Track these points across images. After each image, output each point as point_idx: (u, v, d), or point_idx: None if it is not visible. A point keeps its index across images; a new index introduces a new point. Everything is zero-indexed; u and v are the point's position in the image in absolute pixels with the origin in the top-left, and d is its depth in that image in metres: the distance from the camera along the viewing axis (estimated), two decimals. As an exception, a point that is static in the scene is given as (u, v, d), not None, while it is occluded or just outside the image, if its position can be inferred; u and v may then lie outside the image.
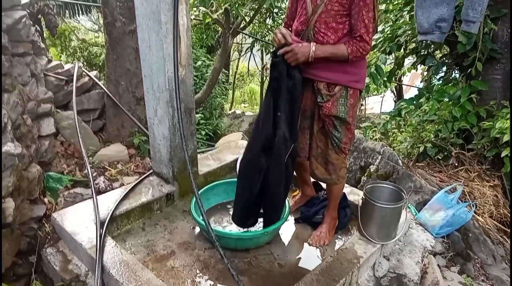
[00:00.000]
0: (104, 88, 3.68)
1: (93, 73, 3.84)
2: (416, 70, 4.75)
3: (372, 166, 3.22)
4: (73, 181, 2.92)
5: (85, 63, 7.65)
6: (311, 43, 2.07)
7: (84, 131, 3.38)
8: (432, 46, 3.93)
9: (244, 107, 13.24)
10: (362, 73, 2.19)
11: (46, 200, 2.68)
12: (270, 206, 2.27)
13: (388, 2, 4.23)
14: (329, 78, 2.15)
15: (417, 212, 2.76)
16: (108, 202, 2.50)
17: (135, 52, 3.41)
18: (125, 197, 2.56)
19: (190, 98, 2.62)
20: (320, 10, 2.08)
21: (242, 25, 7.27)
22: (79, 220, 2.34)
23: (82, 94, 3.64)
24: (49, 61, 3.54)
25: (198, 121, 6.58)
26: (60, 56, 7.78)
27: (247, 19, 7.32)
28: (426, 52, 3.96)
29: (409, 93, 10.02)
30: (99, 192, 2.82)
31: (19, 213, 2.31)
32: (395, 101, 8.78)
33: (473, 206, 2.75)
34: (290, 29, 2.31)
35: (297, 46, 2.05)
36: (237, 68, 13.12)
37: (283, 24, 2.45)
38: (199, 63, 6.97)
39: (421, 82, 5.98)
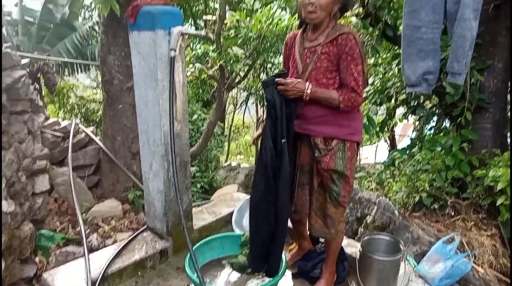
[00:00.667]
0: (100, 143, 3.71)
1: (90, 129, 3.90)
2: (408, 121, 4.85)
3: (368, 216, 3.20)
4: (66, 239, 2.87)
5: (82, 119, 7.76)
6: (307, 82, 2.11)
7: (78, 187, 3.37)
8: (422, 97, 4.04)
9: (240, 159, 13.29)
10: (357, 125, 2.22)
11: (37, 259, 2.62)
12: (279, 243, 2.19)
13: (377, 56, 4.41)
14: (325, 132, 2.17)
15: (416, 263, 2.71)
16: (100, 260, 2.45)
17: (132, 108, 3.48)
18: (118, 254, 2.51)
19: (185, 151, 2.65)
20: (310, 68, 2.14)
21: (236, 80, 7.48)
22: (70, 280, 2.28)
23: (78, 150, 3.67)
24: (47, 118, 3.60)
25: (194, 174, 6.57)
26: (58, 113, 7.91)
27: (242, 74, 7.55)
28: (416, 103, 4.06)
29: (402, 142, 10.12)
30: (91, 250, 2.76)
31: (9, 273, 2.25)
32: (388, 151, 8.86)
33: (472, 256, 2.71)
34: None
35: (293, 81, 2.09)
36: (232, 121, 13.32)
37: None
38: (195, 116, 7.08)
39: (413, 131, 6.08)
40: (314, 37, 2.15)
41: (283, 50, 2.39)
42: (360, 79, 2.07)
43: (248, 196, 3.32)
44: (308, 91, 2.08)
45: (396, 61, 4.22)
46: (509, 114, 3.64)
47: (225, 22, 4.82)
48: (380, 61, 4.61)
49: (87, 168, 3.67)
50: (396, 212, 3.16)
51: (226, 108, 11.14)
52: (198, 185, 6.51)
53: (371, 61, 4.37)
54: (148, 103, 2.48)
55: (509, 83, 3.47)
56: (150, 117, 2.50)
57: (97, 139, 3.77)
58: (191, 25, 10.44)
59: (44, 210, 2.95)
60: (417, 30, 2.58)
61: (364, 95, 4.53)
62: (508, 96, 3.52)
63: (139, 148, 2.68)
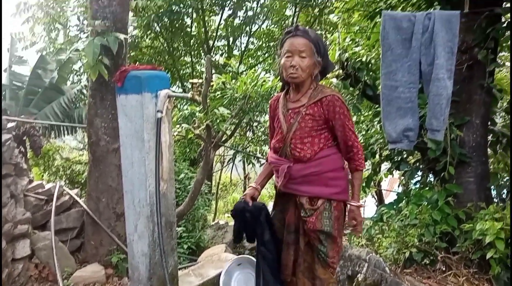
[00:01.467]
0: (84, 205, 3.64)
1: (74, 191, 3.84)
2: (393, 175, 4.90)
3: (359, 274, 3.13)
4: (45, 307, 2.72)
5: (67, 181, 7.66)
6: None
7: (60, 252, 3.26)
8: (405, 152, 4.12)
9: (228, 217, 13.08)
10: (343, 184, 2.20)
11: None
12: None
13: (359, 114, 4.54)
14: (311, 192, 2.16)
15: (411, 324, 2.62)
16: (80, 330, 2.31)
17: (118, 169, 3.47)
18: (100, 323, 2.38)
19: (171, 211, 2.61)
20: (295, 128, 2.16)
21: (223, 139, 7.55)
22: None
23: (62, 213, 3.59)
24: (30, 181, 3.56)
25: (180, 234, 6.41)
26: (42, 175, 7.81)
27: (228, 132, 7.65)
28: (399, 158, 4.13)
29: (390, 197, 10.14)
30: (71, 318, 2.62)
31: None
32: (376, 206, 8.84)
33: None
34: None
35: (358, 221, 2.19)
36: (220, 179, 13.27)
37: (269, 144, 2.55)
38: (182, 175, 7.05)
39: (399, 186, 6.12)
40: (297, 99, 2.20)
41: (268, 111, 2.44)
42: (354, 132, 2.17)
43: (236, 256, 3.24)
44: (359, 204, 2.20)
45: (378, 119, 4.35)
46: (491, 167, 3.73)
47: (212, 84, 4.96)
48: (362, 118, 4.74)
49: (70, 232, 3.57)
50: (387, 269, 3.10)
51: (213, 166, 11.14)
52: (185, 246, 6.33)
53: (354, 119, 4.50)
54: (134, 163, 2.48)
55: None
56: (135, 177, 2.49)
57: (81, 201, 3.71)
58: (178, 87, 10.73)
59: (23, 277, 2.82)
60: (394, 90, 2.69)
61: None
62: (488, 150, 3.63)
63: (124, 209, 2.64)
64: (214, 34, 10.13)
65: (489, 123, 3.61)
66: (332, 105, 2.11)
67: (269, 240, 2.25)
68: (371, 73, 3.93)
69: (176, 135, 5.97)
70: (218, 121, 4.91)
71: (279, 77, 2.42)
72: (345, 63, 3.87)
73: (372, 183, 4.57)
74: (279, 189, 2.28)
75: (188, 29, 9.43)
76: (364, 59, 3.75)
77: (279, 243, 2.27)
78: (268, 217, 2.31)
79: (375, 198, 9.34)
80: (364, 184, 4.20)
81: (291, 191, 2.21)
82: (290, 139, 2.17)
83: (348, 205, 2.21)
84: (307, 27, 2.22)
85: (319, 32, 9.29)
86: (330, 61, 2.26)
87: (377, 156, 4.38)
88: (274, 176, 2.40)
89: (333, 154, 2.20)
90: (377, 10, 4.10)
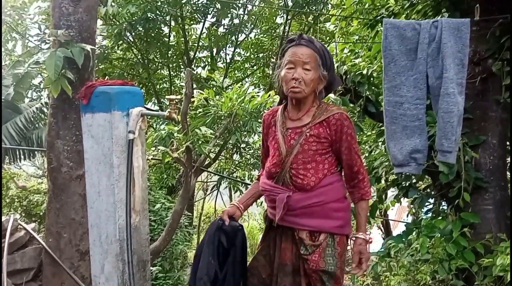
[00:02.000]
0: (42, 242, 3.58)
1: (31, 226, 3.78)
2: (401, 204, 4.92)
3: (365, 320, 3.09)
4: None
5: (23, 214, 7.53)
6: (358, 238, 2.20)
7: (13, 297, 3.17)
8: (413, 177, 4.15)
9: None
10: (347, 216, 2.22)
11: None
12: None
13: (361, 133, 4.59)
14: (312, 225, 2.15)
15: None
16: None
17: (82, 199, 3.42)
18: None
19: (144, 248, 2.57)
20: (296, 151, 2.16)
21: (206, 163, 7.53)
22: None
23: (16, 252, 3.51)
24: (-21, 215, 3.49)
25: (155, 275, 6.30)
26: (-6, 207, 7.67)
27: (212, 155, 7.64)
28: (407, 184, 4.15)
29: (398, 228, 10.13)
30: None
31: None
32: (383, 239, 8.83)
33: None
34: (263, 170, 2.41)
35: (364, 263, 2.20)
36: (202, 209, 13.17)
37: (261, 166, 2.56)
38: (158, 206, 6.99)
39: (407, 216, 6.15)
40: (298, 117, 2.20)
41: (261, 128, 2.43)
42: (360, 156, 2.21)
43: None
44: (368, 238, 2.22)
45: (382, 139, 4.39)
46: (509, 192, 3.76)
47: (192, 100, 4.98)
48: (364, 138, 4.79)
49: (25, 273, 3.50)
50: (396, 313, 3.08)
51: (195, 195, 11.06)
52: (162, 289, 6.22)
53: (355, 139, 4.53)
54: (101, 192, 2.45)
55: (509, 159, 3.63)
56: (103, 209, 2.46)
57: (39, 237, 3.64)
58: (154, 104, 10.74)
59: (-33, 330, 2.73)
60: (399, 106, 2.73)
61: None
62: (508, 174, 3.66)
63: (89, 247, 2.59)
64: (195, 44, 10.23)
65: (507, 143, 3.65)
66: (340, 125, 2.14)
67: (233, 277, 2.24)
68: (373, 87, 3.99)
69: (151, 159, 5.94)
70: (199, 142, 4.91)
71: (270, 93, 2.45)
72: (344, 77, 3.93)
73: (377, 213, 4.57)
74: (272, 221, 2.26)
75: (166, 39, 9.51)
76: (365, 72, 3.81)
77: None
78: (244, 245, 2.31)
79: (381, 230, 9.34)
80: (368, 214, 4.21)
81: (288, 224, 2.18)
82: (290, 163, 2.16)
83: (353, 239, 2.21)
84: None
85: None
86: (336, 76, 2.30)
87: (382, 181, 4.40)
88: (265, 204, 2.39)
89: (336, 181, 2.21)
90: (378, 17, 4.19)
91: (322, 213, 2.14)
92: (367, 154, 4.82)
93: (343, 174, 2.26)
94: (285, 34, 9.49)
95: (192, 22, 10.15)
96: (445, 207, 3.95)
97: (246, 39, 10.66)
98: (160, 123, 8.47)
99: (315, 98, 2.21)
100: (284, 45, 2.24)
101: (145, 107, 2.46)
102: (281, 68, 2.18)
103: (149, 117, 2.56)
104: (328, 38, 9.17)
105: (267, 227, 2.38)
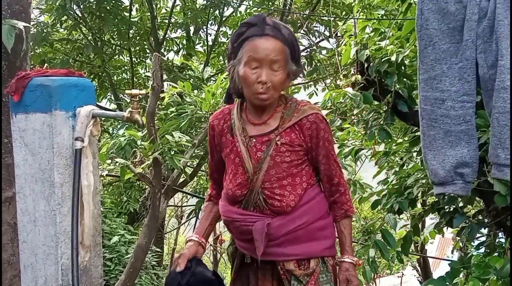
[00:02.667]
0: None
1: None
2: (443, 236, 4.92)
3: None
4: None
5: None
6: (345, 260, 2.32)
7: None
8: (460, 199, 4.16)
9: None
10: (333, 233, 2.41)
11: None
12: None
13: (389, 141, 4.59)
14: (299, 253, 2.28)
15: None
16: None
17: (12, 230, 3.41)
18: None
19: (96, 298, 2.57)
20: (267, 166, 2.24)
21: (181, 180, 7.50)
22: None
23: None
24: None
25: (113, 334, 6.25)
26: None
27: (189, 171, 7.60)
28: (452, 209, 4.16)
29: (440, 267, 10.16)
30: None
31: None
32: (420, 282, 8.83)
33: None
34: (215, 186, 2.52)
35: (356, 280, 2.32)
36: (175, 243, 13.14)
37: (210, 182, 2.66)
38: (115, 239, 6.96)
39: (452, 251, 6.13)
40: (262, 121, 2.29)
41: (208, 137, 2.50)
42: (340, 165, 2.37)
43: None
44: (356, 261, 2.34)
45: (417, 148, 4.41)
46: None
47: (162, 96, 4.98)
48: (393, 148, 4.80)
49: None
50: None
51: (165, 224, 11.02)
52: None
53: (380, 147, 4.54)
54: (37, 221, 2.44)
55: None
56: (40, 243, 2.45)
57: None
58: (110, 101, 10.72)
59: None
60: (440, 105, 2.74)
61: (375, 197, 4.63)
62: None
63: (22, 296, 2.58)
64: (166, 21, 10.24)
65: None
66: (315, 129, 2.26)
67: None
68: (404, 79, 4.00)
69: (106, 176, 5.91)
70: (172, 153, 4.90)
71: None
72: (366, 65, 3.94)
73: (412, 248, 4.58)
74: (243, 257, 2.38)
75: (126, 14, 9.52)
76: (393, 59, 3.83)
77: None
78: None
79: (417, 271, 9.34)
80: (400, 248, 4.20)
81: (271, 257, 2.28)
82: (261, 182, 2.24)
83: (337, 264, 2.36)
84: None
85: (325, 19, 9.51)
86: (301, 65, 2.36)
87: (418, 205, 4.41)
88: (229, 234, 2.51)
89: (317, 195, 2.36)
90: (411, -15, 4.22)
91: (307, 236, 2.29)
92: (397, 169, 4.83)
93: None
94: (287, 7, 9.54)
95: (161, -10, 10.19)
96: (502, 240, 3.95)
97: (234, 14, 10.68)
98: (119, 127, 8.46)
99: (281, 95, 2.32)
100: (239, 30, 2.26)
101: (97, 106, 2.46)
102: (239, 64, 2.22)
103: (103, 119, 2.56)
104: (344, 12, 9.21)
105: (237, 265, 2.45)
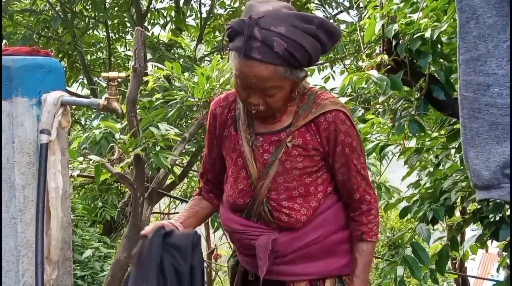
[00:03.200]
0: None
1: None
2: (487, 250, 4.92)
3: None
4: None
5: None
6: None
7: None
8: (507, 206, 4.15)
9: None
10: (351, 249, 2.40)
11: None
12: None
13: (422, 135, 4.59)
14: (313, 272, 2.30)
15: None
16: None
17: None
18: None
19: (66, 325, 2.58)
20: (274, 172, 2.24)
21: (168, 182, 7.50)
22: None
23: None
24: None
25: None
26: None
27: (178, 171, 7.60)
28: (497, 218, 4.16)
29: (483, 289, 10.16)
30: None
31: None
32: (459, 307, 8.86)
33: None
34: (208, 186, 2.53)
35: None
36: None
37: (200, 176, 2.67)
38: (88, 253, 6.97)
39: (498, 269, 6.15)
40: (274, 118, 2.27)
41: (207, 124, 2.48)
42: (367, 176, 2.30)
43: None
44: None
45: (456, 144, 4.40)
46: None
47: (146, 80, 4.98)
48: (427, 143, 4.80)
49: None
50: None
51: (149, 236, 11.03)
52: None
53: (411, 143, 4.54)
54: (-5, 232, 2.45)
55: None
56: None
57: None
58: (83, 86, 10.72)
59: None
60: (484, 91, 2.73)
61: (404, 203, 4.63)
62: None
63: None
64: (150, -12, 10.24)
65: None
66: (333, 130, 2.22)
67: None
68: (441, 60, 3.99)
69: (78, 176, 5.91)
70: (157, 148, 4.90)
71: None
72: (394, 43, 3.93)
73: (449, 265, 4.57)
74: (246, 274, 2.42)
75: (102, -21, 9.52)
76: (427, 35, 3.82)
77: None
78: (203, 264, 2.29)
79: (454, 293, 9.34)
80: (434, 266, 4.21)
81: (278, 277, 2.30)
82: (267, 191, 2.25)
83: None
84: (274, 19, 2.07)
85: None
86: (331, 37, 2.19)
87: (457, 213, 4.41)
88: (225, 247, 2.50)
89: (334, 203, 2.36)
90: None
91: (322, 252, 2.30)
92: (431, 169, 4.83)
93: None
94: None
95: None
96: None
97: (232, -21, 10.68)
98: (93, 117, 8.45)
99: (295, 92, 2.26)
100: (228, 32, 2.15)
101: (67, 92, 2.46)
102: (233, 76, 2.25)
103: (74, 107, 2.55)
104: (367, -21, 9.19)
105: (237, 282, 2.48)
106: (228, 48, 2.17)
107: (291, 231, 2.26)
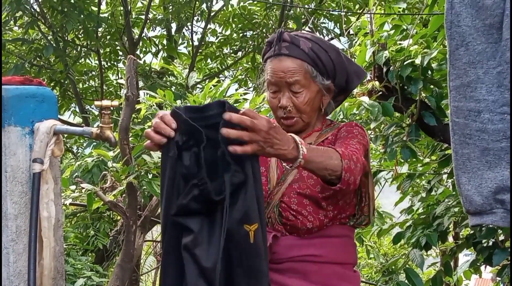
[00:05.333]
0: None
1: None
2: (480, 275, 4.90)
3: None
4: None
5: None
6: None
7: None
8: (500, 231, 4.15)
9: None
10: (357, 277, 2.43)
11: None
12: None
13: (413, 160, 4.60)
14: None
15: None
16: None
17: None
18: None
19: None
20: (292, 178, 2.28)
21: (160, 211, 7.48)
22: None
23: None
24: None
25: None
26: None
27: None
28: (491, 243, 4.16)
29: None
30: None
31: None
32: (453, 334, 8.80)
33: None
34: None
35: (264, 124, 1.88)
36: (154, 288, 13.07)
37: None
38: (80, 282, 6.92)
39: (492, 296, 6.12)
40: (301, 134, 2.31)
41: None
42: (360, 150, 2.22)
43: None
44: (303, 151, 1.95)
45: (448, 169, 4.41)
46: None
47: (138, 108, 4.98)
48: (419, 168, 4.81)
49: None
50: None
51: (142, 263, 10.96)
52: None
53: (403, 169, 4.55)
54: (-13, 262, 2.43)
55: None
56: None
57: None
58: (75, 114, 10.71)
59: None
60: (475, 117, 2.74)
61: (396, 229, 4.62)
62: None
63: None
64: (142, 16, 10.26)
65: None
66: (341, 130, 2.34)
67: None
68: (431, 86, 4.01)
69: (70, 205, 5.89)
70: (150, 176, 4.90)
71: (263, 96, 2.55)
72: (385, 69, 3.95)
73: (442, 291, 4.56)
74: None
75: (94, 8, 9.55)
76: (418, 62, 3.85)
77: None
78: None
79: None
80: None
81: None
82: (280, 196, 2.28)
83: None
84: (299, 31, 2.37)
85: (335, 13, 9.53)
86: (353, 66, 2.45)
87: (450, 238, 4.39)
88: None
89: (346, 236, 2.37)
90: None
91: (319, 278, 2.27)
92: (423, 194, 4.83)
93: None
94: (288, 0, 9.58)
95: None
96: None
97: (224, 8, 10.72)
98: (85, 145, 8.44)
99: (322, 117, 2.43)
100: (264, 50, 2.42)
101: (60, 120, 2.46)
102: (264, 88, 2.39)
103: (66, 135, 2.56)
104: (358, 7, 9.26)
105: None
106: (263, 63, 2.38)
107: (293, 237, 2.26)
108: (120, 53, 10.23)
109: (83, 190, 4.92)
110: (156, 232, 11.65)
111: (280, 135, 1.92)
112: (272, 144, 1.88)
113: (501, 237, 4.17)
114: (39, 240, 2.37)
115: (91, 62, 10.61)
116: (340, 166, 2.05)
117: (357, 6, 9.30)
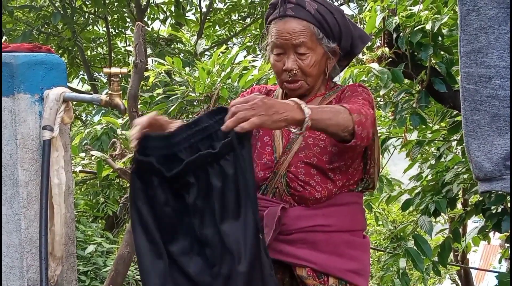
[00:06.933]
0: None
1: None
2: (489, 242, 4.92)
3: None
4: None
5: None
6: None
7: None
8: (509, 197, 4.15)
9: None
10: (364, 259, 2.41)
11: None
12: None
13: (423, 127, 4.58)
14: (316, 262, 2.26)
15: None
16: None
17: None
18: None
19: (70, 320, 2.59)
20: (298, 146, 2.28)
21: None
22: None
23: None
24: None
25: None
26: None
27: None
28: (500, 210, 4.16)
29: (486, 280, 10.16)
30: None
31: None
32: (461, 300, 8.85)
33: None
34: None
35: (254, 96, 1.92)
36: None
37: None
38: (91, 248, 6.97)
39: (500, 261, 6.14)
40: (306, 99, 2.31)
41: None
42: (366, 106, 2.22)
43: None
44: (308, 111, 1.95)
45: (458, 136, 4.40)
46: None
47: (146, 75, 4.97)
48: (428, 135, 4.79)
49: None
50: None
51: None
52: None
53: (413, 136, 4.54)
54: (-2, 228, 2.45)
55: None
56: (1, 254, 2.46)
57: None
58: (83, 81, 10.72)
59: None
60: (486, 83, 2.73)
61: (405, 196, 4.63)
62: None
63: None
64: (150, -17, 10.22)
65: None
66: (345, 91, 2.33)
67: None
68: (442, 52, 3.98)
69: (80, 172, 5.92)
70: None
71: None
72: (395, 35, 3.93)
73: (451, 257, 4.58)
74: None
75: (102, -26, 9.50)
76: (428, 28, 3.82)
77: None
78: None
79: (457, 285, 9.35)
80: (436, 258, 4.21)
81: (279, 256, 2.27)
82: (287, 165, 2.27)
83: None
84: None
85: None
86: (357, 31, 2.43)
87: (458, 205, 4.40)
88: None
89: (354, 203, 2.38)
90: None
91: (329, 246, 2.28)
92: (433, 161, 4.83)
93: None
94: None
95: None
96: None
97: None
98: (94, 112, 8.46)
99: (326, 80, 2.41)
100: (267, 13, 2.42)
101: (69, 88, 2.46)
102: (268, 52, 2.37)
103: (75, 103, 2.56)
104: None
105: None
106: (267, 25, 2.38)
107: (302, 208, 2.26)
108: (128, 20, 10.21)
109: (93, 158, 4.94)
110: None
111: (277, 101, 2.04)
112: (275, 110, 1.89)
113: (509, 202, 4.17)
114: (50, 207, 2.39)
115: (99, 29, 10.59)
116: (351, 120, 2.07)
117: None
